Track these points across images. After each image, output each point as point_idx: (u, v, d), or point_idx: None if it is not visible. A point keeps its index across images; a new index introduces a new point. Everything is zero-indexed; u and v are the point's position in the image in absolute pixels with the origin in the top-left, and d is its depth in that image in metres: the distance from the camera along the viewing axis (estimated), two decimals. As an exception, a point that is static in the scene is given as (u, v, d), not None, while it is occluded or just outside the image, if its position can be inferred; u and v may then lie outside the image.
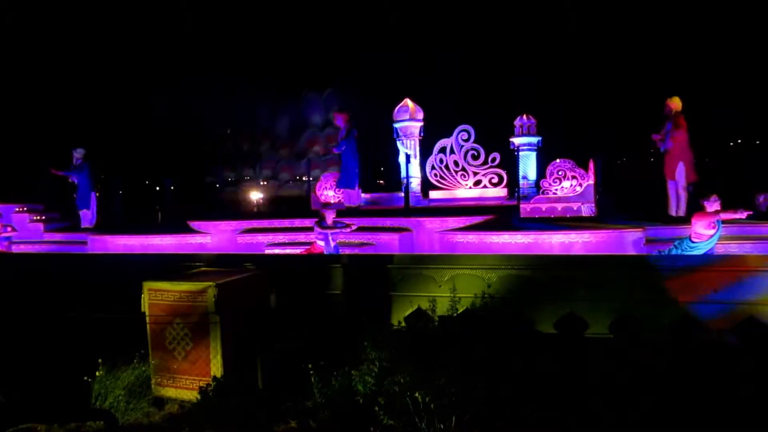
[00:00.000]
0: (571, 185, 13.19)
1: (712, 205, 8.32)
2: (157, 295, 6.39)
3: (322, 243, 9.81)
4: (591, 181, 13.04)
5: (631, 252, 9.30)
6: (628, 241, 9.55)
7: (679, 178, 10.38)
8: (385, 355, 5.34)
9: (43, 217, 15.11)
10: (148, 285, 6.47)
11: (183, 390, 6.18)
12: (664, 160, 10.62)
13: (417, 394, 4.94)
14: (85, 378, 5.90)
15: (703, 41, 23.83)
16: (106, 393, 5.80)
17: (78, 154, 14.29)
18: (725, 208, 8.40)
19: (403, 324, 7.41)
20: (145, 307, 6.46)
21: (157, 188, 21.71)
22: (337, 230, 9.83)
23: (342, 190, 13.57)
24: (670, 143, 10.33)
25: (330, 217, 9.89)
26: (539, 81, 25.38)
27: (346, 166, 13.23)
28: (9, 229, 12.74)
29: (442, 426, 4.85)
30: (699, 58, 24.03)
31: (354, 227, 10.06)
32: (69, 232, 14.37)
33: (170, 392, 6.24)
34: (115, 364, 6.10)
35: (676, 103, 10.42)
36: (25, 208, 15.28)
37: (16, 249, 13.51)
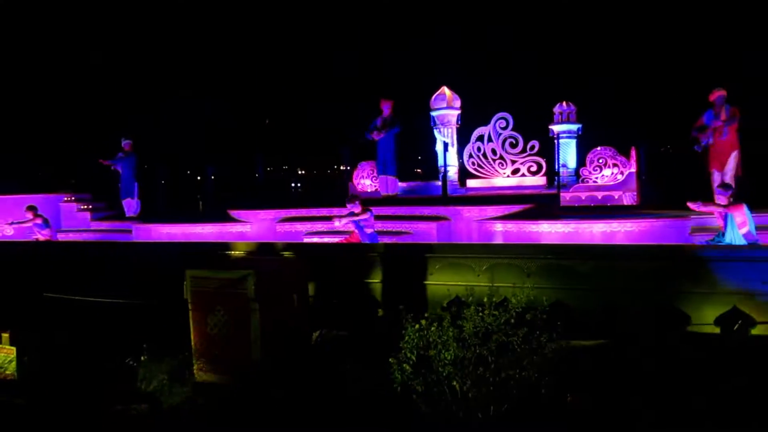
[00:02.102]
0: (612, 173, 12.92)
1: (719, 198, 8.47)
2: (199, 283, 6.52)
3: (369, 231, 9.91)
4: (633, 169, 12.75)
5: (676, 242, 9.08)
6: (672, 230, 9.33)
7: (728, 169, 10.01)
8: (423, 344, 5.34)
9: (90, 206, 15.57)
10: (190, 273, 6.60)
11: (224, 375, 6.31)
12: (712, 150, 10.24)
13: (455, 383, 4.95)
14: (131, 362, 6.09)
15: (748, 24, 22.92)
16: (151, 377, 5.97)
17: (127, 144, 14.74)
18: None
19: (441, 312, 7.40)
20: (187, 294, 6.60)
21: (199, 177, 22.11)
22: (347, 220, 9.90)
23: (379, 177, 13.58)
24: (727, 134, 9.95)
25: (353, 208, 9.95)
26: (580, 66, 24.91)
27: (384, 153, 13.20)
28: (32, 217, 12.96)
29: (480, 415, 4.85)
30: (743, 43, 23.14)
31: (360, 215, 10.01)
32: (115, 221, 14.78)
33: (211, 377, 6.37)
34: (159, 350, 6.27)
35: (724, 92, 10.05)
36: (73, 198, 15.77)
37: (63, 237, 13.97)
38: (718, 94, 10.01)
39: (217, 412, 5.50)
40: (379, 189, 13.71)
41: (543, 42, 26.09)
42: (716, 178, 10.13)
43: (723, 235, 8.39)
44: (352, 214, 9.95)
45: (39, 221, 12.98)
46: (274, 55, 29.18)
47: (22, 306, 8.89)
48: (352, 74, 28.07)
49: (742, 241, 8.12)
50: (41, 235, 13.03)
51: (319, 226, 11.49)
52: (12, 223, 13.27)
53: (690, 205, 8.64)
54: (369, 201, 12.29)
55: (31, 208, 13.10)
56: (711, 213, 8.73)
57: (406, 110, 13.92)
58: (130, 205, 14.88)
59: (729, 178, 9.97)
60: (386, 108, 13.11)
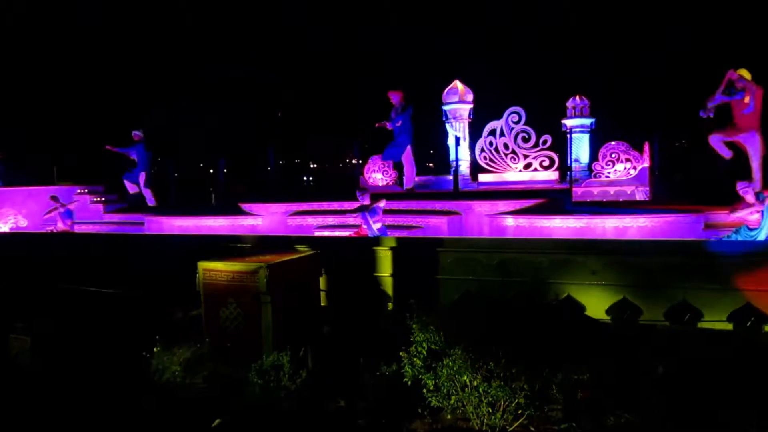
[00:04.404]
0: (625, 168, 12.82)
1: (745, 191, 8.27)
2: (212, 275, 6.56)
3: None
4: (646, 164, 12.65)
5: (689, 237, 9.00)
6: (685, 226, 9.25)
7: (754, 156, 9.32)
8: (434, 338, 5.35)
9: (103, 199, 15.68)
10: (202, 265, 6.64)
11: (236, 367, 6.34)
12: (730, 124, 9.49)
13: (465, 378, 4.95)
14: (144, 354, 6.14)
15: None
16: (164, 368, 6.01)
17: (137, 135, 14.92)
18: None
19: (452, 307, 7.40)
20: (199, 286, 6.64)
21: (211, 170, 22.20)
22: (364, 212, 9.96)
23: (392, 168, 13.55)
24: (753, 104, 9.30)
25: (363, 200, 10.02)
26: (593, 59, 24.70)
27: (399, 142, 13.14)
28: (57, 205, 13.38)
29: (490, 409, 4.85)
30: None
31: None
32: (127, 213, 14.88)
33: (223, 369, 6.40)
34: (171, 341, 6.30)
35: (746, 74, 9.53)
36: (86, 190, 15.89)
37: (76, 229, 14.09)
38: (736, 74, 9.26)
39: (230, 405, 5.53)
40: (389, 183, 13.64)
41: (559, 36, 25.89)
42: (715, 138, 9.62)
43: (749, 229, 8.21)
44: (363, 207, 9.99)
45: (63, 210, 13.29)
46: (285, 49, 29.21)
47: (37, 296, 8.99)
48: (365, 66, 28.05)
49: None
50: (63, 224, 13.22)
51: (330, 220, 11.51)
52: (47, 213, 13.63)
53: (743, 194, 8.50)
54: (380, 195, 12.29)
55: (54, 198, 13.46)
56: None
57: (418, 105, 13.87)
58: (132, 189, 15.15)
59: (757, 165, 9.49)
60: (396, 99, 13.07)
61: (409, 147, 13.15)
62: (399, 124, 12.99)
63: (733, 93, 9.37)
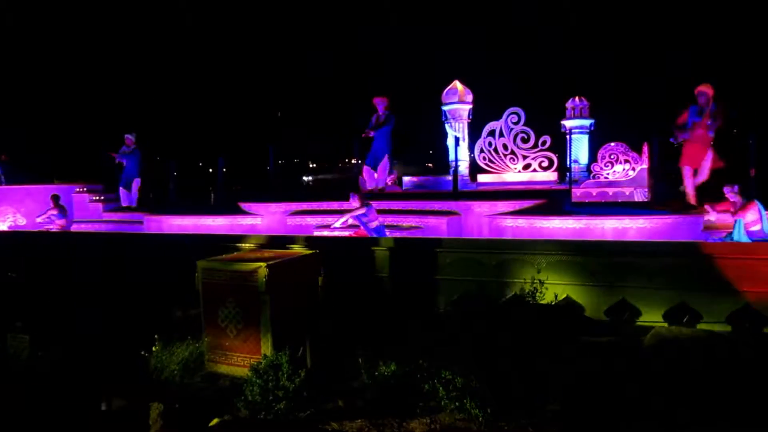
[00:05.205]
0: (624, 169, 12.86)
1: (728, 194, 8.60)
2: (211, 274, 6.55)
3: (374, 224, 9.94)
4: (645, 165, 12.67)
5: (688, 239, 9.02)
6: (684, 227, 9.27)
7: (705, 168, 9.78)
8: (433, 338, 5.36)
9: (102, 197, 15.67)
10: (202, 264, 6.63)
11: (234, 367, 6.35)
12: (687, 147, 9.89)
13: (464, 378, 4.96)
14: (143, 353, 6.14)
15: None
16: (162, 368, 6.01)
17: (129, 139, 14.79)
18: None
19: (450, 308, 7.40)
20: (198, 285, 6.64)
21: (211, 170, 22.20)
22: (344, 218, 10.08)
23: (365, 168, 13.48)
24: (712, 132, 9.64)
25: (352, 201, 10.05)
26: (593, 60, 24.73)
27: (376, 149, 13.03)
28: (52, 205, 13.56)
29: (488, 410, 4.86)
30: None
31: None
32: (126, 212, 14.87)
33: (222, 369, 6.42)
34: (170, 341, 6.31)
35: (711, 89, 9.62)
36: (85, 189, 15.87)
37: (75, 228, 14.10)
38: (702, 90, 9.64)
39: (227, 403, 5.53)
40: (367, 181, 13.55)
41: (557, 35, 25.93)
42: (687, 173, 9.96)
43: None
44: (349, 211, 10.02)
45: (56, 211, 13.29)
46: (285, 49, 29.23)
47: (35, 295, 8.98)
48: (365, 67, 28.08)
49: (746, 238, 8.10)
50: (54, 226, 13.21)
51: (330, 220, 11.50)
52: (41, 215, 13.68)
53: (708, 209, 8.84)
54: (381, 195, 12.31)
55: (54, 198, 13.52)
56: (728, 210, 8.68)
57: (416, 105, 13.89)
58: (126, 196, 15.01)
59: (706, 176, 9.80)
60: (380, 105, 13.02)
61: (386, 156, 13.03)
62: (376, 132, 12.87)
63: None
